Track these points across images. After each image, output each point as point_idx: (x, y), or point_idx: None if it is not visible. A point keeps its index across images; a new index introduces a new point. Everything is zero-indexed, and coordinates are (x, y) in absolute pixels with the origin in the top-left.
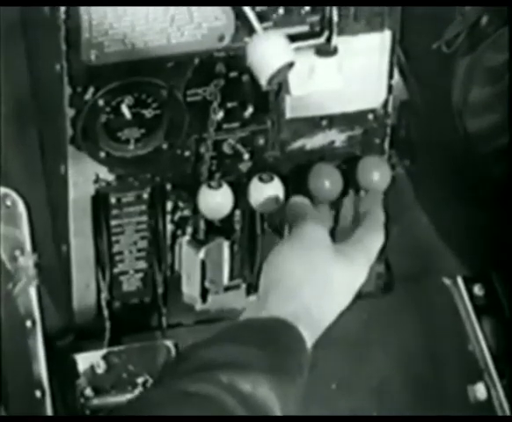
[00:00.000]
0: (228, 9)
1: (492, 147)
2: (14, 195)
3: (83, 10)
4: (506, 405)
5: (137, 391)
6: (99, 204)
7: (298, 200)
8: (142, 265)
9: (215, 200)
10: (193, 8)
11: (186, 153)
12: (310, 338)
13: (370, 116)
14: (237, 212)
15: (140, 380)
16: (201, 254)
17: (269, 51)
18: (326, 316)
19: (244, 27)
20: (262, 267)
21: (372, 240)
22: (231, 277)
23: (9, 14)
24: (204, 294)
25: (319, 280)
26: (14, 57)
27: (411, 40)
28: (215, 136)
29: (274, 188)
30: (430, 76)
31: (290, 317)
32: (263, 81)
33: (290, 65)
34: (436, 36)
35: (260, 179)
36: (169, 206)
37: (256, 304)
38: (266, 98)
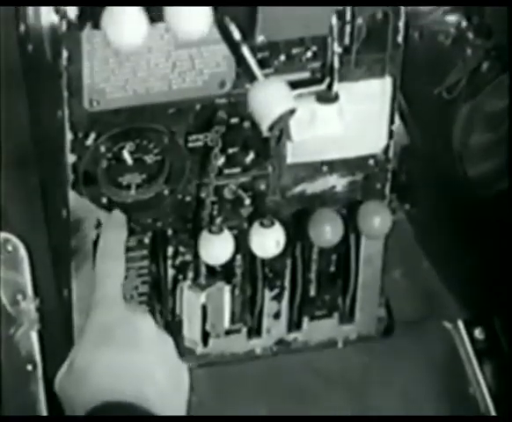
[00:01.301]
0: (229, 55)
1: (492, 191)
2: (15, 240)
3: (85, 56)
4: None
5: None
6: None
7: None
8: (144, 309)
9: (216, 245)
10: (195, 55)
11: (187, 198)
12: None
13: (371, 161)
14: (238, 256)
15: None
16: (202, 298)
17: (270, 98)
18: None
19: (245, 74)
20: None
21: None
22: (232, 321)
23: (10, 60)
24: (205, 337)
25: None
26: (15, 103)
27: (412, 86)
28: (216, 182)
29: (275, 233)
30: (431, 121)
31: None
32: (264, 127)
33: (291, 112)
34: (437, 82)
35: (261, 224)
36: (170, 251)
37: None
38: (267, 144)
